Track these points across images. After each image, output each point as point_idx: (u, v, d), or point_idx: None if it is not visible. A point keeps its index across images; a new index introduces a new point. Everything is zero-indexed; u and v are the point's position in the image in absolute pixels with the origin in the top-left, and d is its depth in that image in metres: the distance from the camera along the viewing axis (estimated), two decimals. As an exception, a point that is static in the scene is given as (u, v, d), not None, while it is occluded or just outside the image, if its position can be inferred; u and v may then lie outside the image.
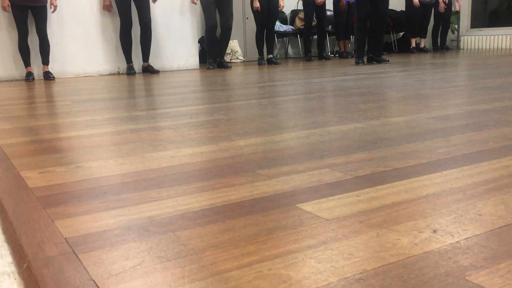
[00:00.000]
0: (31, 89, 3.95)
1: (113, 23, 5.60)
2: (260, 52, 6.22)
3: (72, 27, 5.33)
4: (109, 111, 2.40)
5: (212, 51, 5.79)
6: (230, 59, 7.24)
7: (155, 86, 3.79)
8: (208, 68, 5.75)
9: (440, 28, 8.08)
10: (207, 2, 5.51)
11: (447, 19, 8.03)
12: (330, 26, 7.88)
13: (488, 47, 8.72)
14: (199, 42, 7.12)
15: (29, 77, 4.83)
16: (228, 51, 7.24)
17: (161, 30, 5.74)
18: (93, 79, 4.95)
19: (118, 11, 5.13)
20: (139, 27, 5.28)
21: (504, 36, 8.50)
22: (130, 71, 5.35)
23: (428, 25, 7.82)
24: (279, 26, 7.71)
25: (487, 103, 2.15)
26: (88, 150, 1.50)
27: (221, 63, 5.86)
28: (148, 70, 5.40)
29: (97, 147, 1.53)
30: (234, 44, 7.24)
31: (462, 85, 2.95)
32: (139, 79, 4.67)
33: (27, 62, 4.84)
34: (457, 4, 8.04)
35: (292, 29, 7.65)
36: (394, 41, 8.35)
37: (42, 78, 5.04)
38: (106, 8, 5.20)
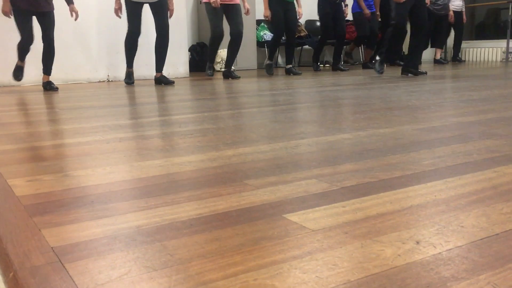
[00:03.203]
0: (20, 96, 3.92)
1: (104, 30, 5.60)
2: (270, 57, 5.87)
3: (62, 33, 5.32)
4: (98, 119, 2.40)
5: (213, 58, 5.54)
6: (220, 68, 7.27)
7: (144, 94, 3.79)
8: (208, 75, 5.55)
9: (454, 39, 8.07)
10: (214, 9, 5.13)
11: (460, 30, 7.99)
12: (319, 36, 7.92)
13: (474, 60, 8.85)
14: (189, 50, 7.15)
15: (18, 72, 4.36)
16: (218, 59, 7.27)
17: (151, 38, 5.75)
18: (82, 86, 4.94)
19: (127, 16, 4.65)
20: (155, 34, 4.82)
21: (490, 49, 8.64)
22: (129, 81, 4.90)
23: (444, 36, 7.77)
24: (268, 36, 7.76)
25: (472, 115, 2.18)
26: (76, 158, 1.49)
27: (228, 73, 5.40)
28: (162, 81, 4.87)
29: (85, 155, 1.53)
30: (224, 53, 7.27)
31: (448, 97, 2.99)
32: (128, 87, 4.67)
33: (22, 57, 4.38)
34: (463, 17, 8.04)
35: (282, 39, 7.70)
36: (383, 52, 8.43)
37: (42, 87, 4.56)
38: (116, 12, 4.68)
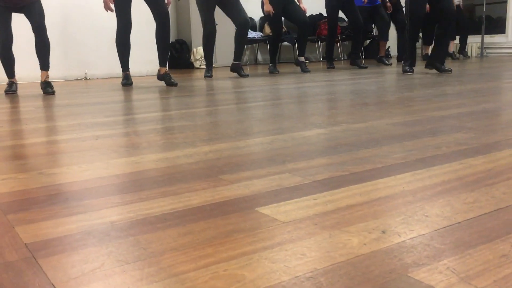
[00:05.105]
0: (-5, 95, 3.86)
1: (80, 26, 5.54)
2: (272, 60, 5.49)
3: (38, 31, 5.25)
4: (74, 117, 2.39)
5: (210, 58, 5.08)
6: (200, 65, 7.25)
7: (122, 92, 3.77)
8: (206, 77, 5.02)
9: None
10: (204, 3, 4.77)
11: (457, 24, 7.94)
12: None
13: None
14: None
15: (11, 88, 3.85)
16: (198, 57, 7.25)
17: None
18: (58, 84, 4.89)
19: (116, 11, 4.19)
20: (153, 26, 4.34)
21: (466, 44, 8.77)
22: (127, 82, 4.40)
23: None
24: (250, 32, 7.76)
25: (444, 110, 2.24)
26: (51, 156, 1.49)
27: (237, 68, 5.02)
28: (165, 80, 4.26)
29: (61, 153, 1.53)
30: (201, 51, 7.25)
31: (423, 92, 3.05)
32: (106, 85, 4.64)
33: (11, 73, 3.89)
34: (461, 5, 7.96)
35: (261, 35, 7.73)
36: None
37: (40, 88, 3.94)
38: (106, 6, 4.14)
